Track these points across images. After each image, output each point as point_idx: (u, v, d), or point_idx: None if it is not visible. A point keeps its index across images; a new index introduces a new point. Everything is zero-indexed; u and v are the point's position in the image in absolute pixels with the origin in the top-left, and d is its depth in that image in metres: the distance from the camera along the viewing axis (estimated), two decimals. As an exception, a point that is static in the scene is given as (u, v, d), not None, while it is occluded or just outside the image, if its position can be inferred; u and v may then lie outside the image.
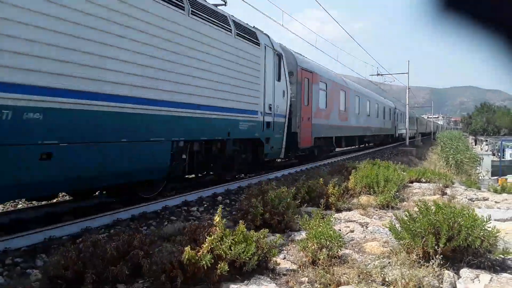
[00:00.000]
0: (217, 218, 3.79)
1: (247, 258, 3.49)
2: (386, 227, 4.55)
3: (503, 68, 1.23)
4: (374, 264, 3.83)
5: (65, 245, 3.76)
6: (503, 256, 3.86)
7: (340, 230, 5.26)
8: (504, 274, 3.54)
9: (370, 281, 3.47)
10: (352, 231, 5.36)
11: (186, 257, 3.29)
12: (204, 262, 3.28)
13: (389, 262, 3.89)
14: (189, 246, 3.39)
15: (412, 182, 10.45)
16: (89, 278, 3.17)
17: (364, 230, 5.42)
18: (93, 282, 3.17)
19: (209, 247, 3.48)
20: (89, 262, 3.37)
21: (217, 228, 3.69)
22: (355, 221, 5.95)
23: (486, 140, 75.98)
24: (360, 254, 4.36)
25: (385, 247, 4.43)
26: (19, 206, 8.20)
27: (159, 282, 3.19)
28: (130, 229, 5.09)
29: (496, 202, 8.13)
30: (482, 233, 3.74)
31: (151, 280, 3.35)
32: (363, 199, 7.56)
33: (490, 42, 1.22)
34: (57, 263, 3.41)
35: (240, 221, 4.08)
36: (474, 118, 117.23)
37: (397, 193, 8.00)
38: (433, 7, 1.27)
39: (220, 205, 4.69)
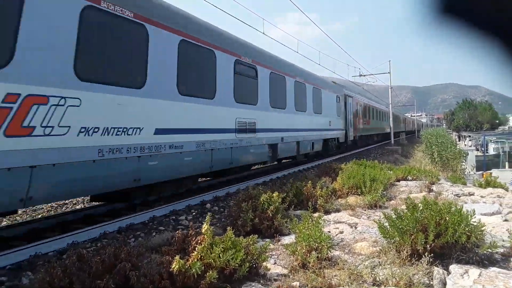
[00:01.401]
0: (205, 226, 3.75)
1: (237, 265, 3.46)
2: (376, 222, 4.56)
3: (503, 70, 1.23)
4: (364, 265, 3.83)
5: (51, 261, 3.68)
6: (490, 250, 3.89)
7: (330, 232, 5.25)
8: (493, 268, 3.57)
9: (361, 281, 3.47)
10: (341, 232, 5.36)
11: (176, 267, 3.24)
12: (194, 271, 3.24)
13: (379, 262, 3.89)
14: (178, 255, 3.35)
15: (399, 181, 10.54)
16: (75, 294, 3.09)
17: (353, 230, 5.43)
18: (79, 297, 3.10)
19: (199, 255, 3.44)
20: (75, 278, 3.29)
21: (205, 236, 3.65)
22: (344, 222, 5.96)
23: (469, 136, 77.32)
24: (350, 255, 4.36)
25: (375, 247, 4.44)
26: (3, 223, 8.00)
27: (148, 294, 3.13)
28: (117, 241, 5.01)
29: (481, 196, 8.23)
30: (467, 228, 3.77)
31: (140, 292, 3.29)
32: (351, 199, 7.59)
33: (487, 45, 1.22)
34: (42, 280, 3.33)
35: (228, 227, 4.05)
36: (457, 114, 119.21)
37: (385, 192, 8.06)
38: (430, 12, 1.27)
39: (209, 213, 4.65)
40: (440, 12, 1.27)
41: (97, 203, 8.48)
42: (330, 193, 7.65)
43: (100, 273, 3.33)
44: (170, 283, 3.19)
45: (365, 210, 6.89)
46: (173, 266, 3.24)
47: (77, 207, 9.03)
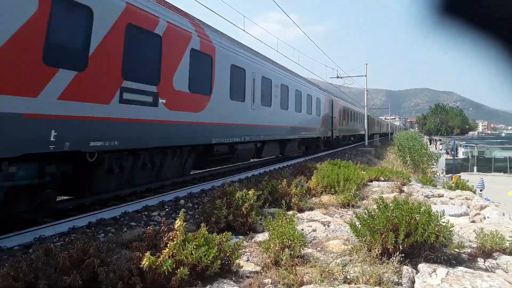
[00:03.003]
0: (178, 222, 3.69)
1: (209, 262, 3.43)
2: (348, 223, 4.60)
3: (503, 76, 1.23)
4: (336, 262, 3.86)
5: (16, 256, 3.57)
6: (458, 250, 3.99)
7: (303, 229, 5.28)
8: (460, 268, 3.65)
9: (332, 279, 3.50)
10: (314, 230, 5.40)
11: (146, 263, 3.18)
12: (165, 268, 3.19)
13: (350, 260, 3.94)
14: (149, 252, 3.29)
15: (371, 181, 10.71)
16: (41, 290, 2.99)
17: (326, 229, 5.48)
18: (45, 293, 3.00)
19: (171, 252, 3.39)
20: (41, 273, 3.19)
21: (177, 232, 3.60)
22: (317, 220, 6.01)
23: (440, 140, 79.50)
24: (323, 252, 4.39)
25: (346, 245, 4.49)
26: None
27: (116, 291, 3.06)
28: (86, 236, 4.89)
29: (450, 198, 8.46)
30: (437, 228, 3.85)
31: (109, 288, 3.21)
32: (325, 198, 7.66)
33: (488, 47, 1.22)
34: (6, 275, 3.21)
35: (202, 224, 4.00)
36: (429, 119, 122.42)
37: (357, 192, 8.17)
38: (432, 13, 1.27)
39: (183, 209, 4.58)
40: (440, 13, 1.27)
41: (66, 197, 8.26)
42: (304, 191, 7.70)
43: (67, 269, 3.24)
44: (140, 280, 3.13)
45: (338, 209, 6.97)
46: (143, 263, 3.18)
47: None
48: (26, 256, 3.52)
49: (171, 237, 3.59)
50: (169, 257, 3.32)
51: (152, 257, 3.22)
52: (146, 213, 7.38)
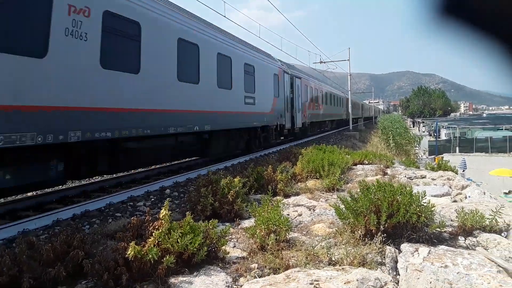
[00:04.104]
0: (163, 212, 3.69)
1: (195, 249, 3.44)
2: (332, 206, 4.66)
3: (503, 70, 1.24)
4: (321, 245, 3.91)
5: (-1, 250, 3.52)
6: (439, 230, 4.08)
7: (289, 214, 5.32)
8: (441, 246, 3.74)
9: (317, 261, 3.55)
10: (300, 215, 5.45)
11: (132, 252, 3.17)
12: (150, 256, 3.19)
13: (335, 242, 4.00)
14: (134, 241, 3.28)
15: (356, 165, 10.82)
16: (25, 283, 2.97)
17: (311, 213, 5.54)
18: (30, 286, 2.98)
19: (156, 241, 3.39)
20: (25, 266, 3.16)
21: (163, 221, 3.59)
22: (302, 205, 6.06)
23: (423, 122, 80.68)
24: (308, 236, 4.45)
25: (331, 228, 4.55)
26: None
27: (102, 282, 3.05)
28: (70, 228, 4.85)
29: (433, 179, 8.61)
30: (418, 209, 3.93)
31: (95, 280, 3.21)
32: (310, 183, 7.72)
33: (487, 45, 1.22)
34: (-11, 270, 3.17)
35: (187, 212, 4.00)
36: (412, 101, 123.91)
37: (342, 176, 8.25)
38: (432, 12, 1.26)
39: (168, 198, 4.57)
40: (440, 12, 1.26)
41: (50, 189, 8.16)
42: (290, 177, 7.75)
43: (52, 261, 3.22)
44: (126, 270, 3.13)
45: (323, 193, 7.04)
46: (128, 252, 3.17)
47: (28, 194, 8.64)
48: (9, 250, 3.49)
49: (156, 226, 3.58)
50: (154, 245, 3.32)
51: (137, 246, 3.21)
52: (131, 203, 7.34)
